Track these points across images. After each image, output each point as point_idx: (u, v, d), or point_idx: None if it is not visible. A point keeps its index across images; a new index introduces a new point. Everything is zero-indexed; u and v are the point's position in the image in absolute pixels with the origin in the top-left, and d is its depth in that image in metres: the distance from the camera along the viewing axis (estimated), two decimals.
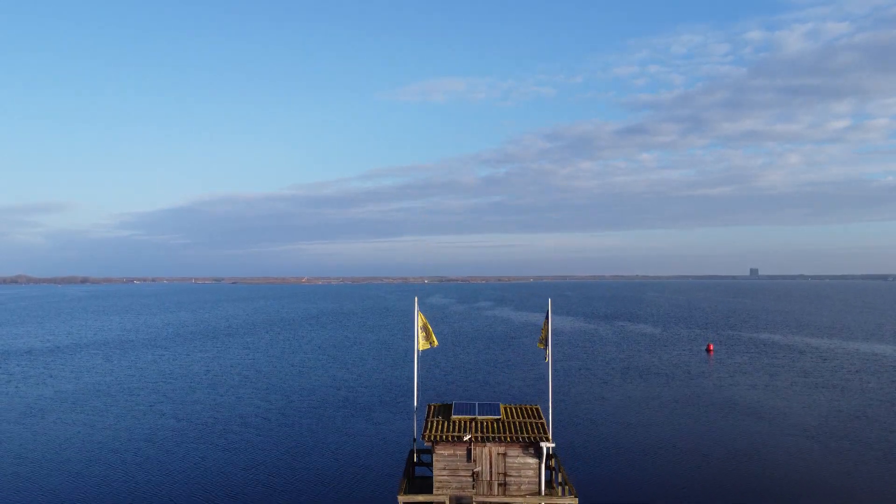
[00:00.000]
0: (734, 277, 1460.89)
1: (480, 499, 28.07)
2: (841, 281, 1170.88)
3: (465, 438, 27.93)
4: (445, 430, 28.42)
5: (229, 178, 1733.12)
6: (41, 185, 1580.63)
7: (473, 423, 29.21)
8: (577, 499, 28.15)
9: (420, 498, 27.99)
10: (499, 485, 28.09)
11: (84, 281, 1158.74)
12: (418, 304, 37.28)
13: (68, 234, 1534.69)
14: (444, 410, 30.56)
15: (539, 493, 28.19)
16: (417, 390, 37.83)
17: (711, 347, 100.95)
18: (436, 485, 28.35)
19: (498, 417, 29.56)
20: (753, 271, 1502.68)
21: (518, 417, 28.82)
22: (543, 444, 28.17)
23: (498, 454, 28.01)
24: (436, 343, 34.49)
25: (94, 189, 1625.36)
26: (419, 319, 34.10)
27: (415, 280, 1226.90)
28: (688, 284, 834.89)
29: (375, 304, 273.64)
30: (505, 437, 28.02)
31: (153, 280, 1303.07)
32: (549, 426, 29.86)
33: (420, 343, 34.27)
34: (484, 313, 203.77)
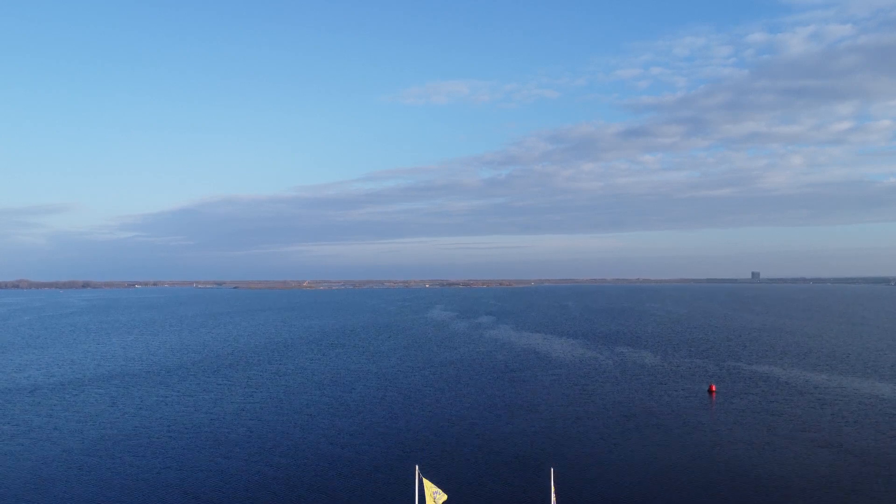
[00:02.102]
0: (735, 281, 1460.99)
1: None
2: (843, 285, 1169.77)
3: None
4: None
5: (232, 179, 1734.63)
6: (42, 186, 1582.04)
7: None
8: None
9: None
10: None
11: (86, 285, 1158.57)
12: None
13: (69, 236, 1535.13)
14: None
15: None
16: None
17: (714, 389, 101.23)
18: None
19: None
20: (755, 275, 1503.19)
21: None
22: None
23: None
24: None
25: (96, 190, 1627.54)
26: (427, 488, 34.06)
27: (416, 283, 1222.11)
28: (689, 291, 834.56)
29: (376, 321, 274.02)
30: None
31: (155, 284, 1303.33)
32: None
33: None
34: (485, 334, 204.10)
